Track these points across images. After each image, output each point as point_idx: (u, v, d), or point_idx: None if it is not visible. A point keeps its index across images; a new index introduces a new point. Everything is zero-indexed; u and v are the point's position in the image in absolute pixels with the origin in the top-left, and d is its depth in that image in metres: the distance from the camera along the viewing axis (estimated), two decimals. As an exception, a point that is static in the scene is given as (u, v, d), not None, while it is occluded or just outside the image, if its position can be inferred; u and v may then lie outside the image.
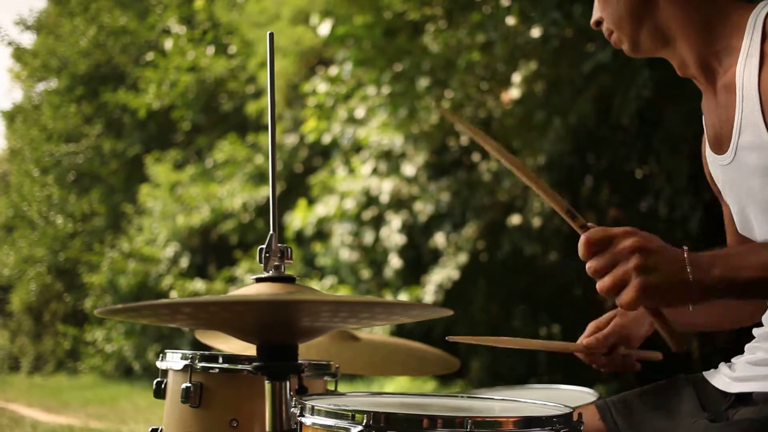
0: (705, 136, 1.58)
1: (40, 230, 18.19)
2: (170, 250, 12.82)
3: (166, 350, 1.73)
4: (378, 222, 8.49)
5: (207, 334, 2.10)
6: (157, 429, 1.71)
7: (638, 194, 7.15)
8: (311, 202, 9.26)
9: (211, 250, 12.88)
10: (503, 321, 8.25)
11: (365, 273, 8.68)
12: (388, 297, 7.94)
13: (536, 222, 7.59)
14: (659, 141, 6.48)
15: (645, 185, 7.07)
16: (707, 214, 6.14)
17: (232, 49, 13.22)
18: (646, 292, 1.20)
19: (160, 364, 1.72)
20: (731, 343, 1.91)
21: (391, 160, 8.49)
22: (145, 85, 13.89)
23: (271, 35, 1.42)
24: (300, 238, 9.45)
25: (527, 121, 7.06)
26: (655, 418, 1.62)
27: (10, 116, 20.93)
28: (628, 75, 5.85)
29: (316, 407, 1.20)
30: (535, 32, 6.52)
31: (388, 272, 8.31)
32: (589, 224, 1.28)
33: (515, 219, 7.74)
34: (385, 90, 7.75)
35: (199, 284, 11.59)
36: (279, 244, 1.33)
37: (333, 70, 8.77)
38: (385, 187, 8.26)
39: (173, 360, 1.68)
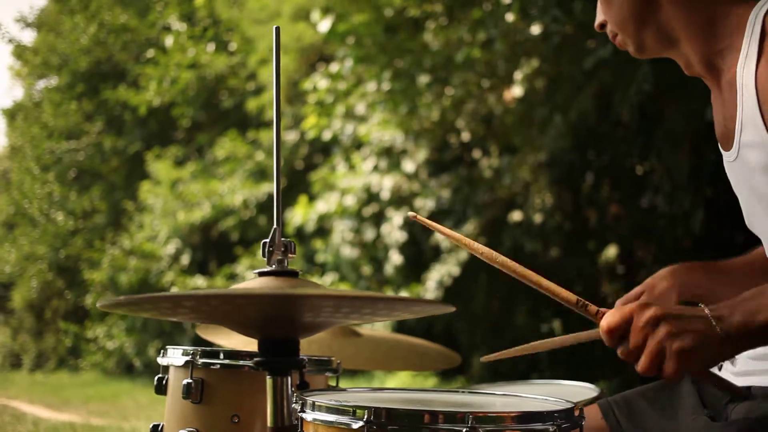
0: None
1: (41, 227, 18.19)
2: (171, 247, 12.83)
3: (167, 346, 1.72)
4: (379, 219, 8.49)
5: (208, 330, 2.10)
6: (159, 425, 1.70)
7: (639, 190, 7.15)
8: (312, 198, 9.26)
9: (211, 246, 12.88)
10: (504, 317, 8.25)
11: (366, 270, 8.69)
12: (389, 293, 7.94)
13: (537, 218, 7.59)
14: (660, 137, 6.48)
15: (645, 181, 7.07)
16: (708, 211, 6.14)
17: (233, 46, 13.23)
18: (686, 357, 1.19)
19: (161, 361, 1.72)
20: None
21: (391, 156, 8.49)
22: (146, 82, 13.89)
23: (278, 29, 1.42)
24: (301, 234, 9.45)
25: (528, 118, 7.06)
26: (657, 417, 1.63)
27: (11, 114, 20.94)
28: (628, 71, 5.85)
29: (317, 403, 1.20)
30: (536, 29, 6.51)
31: (389, 269, 8.31)
32: (601, 309, 1.28)
33: (516, 215, 7.74)
34: (386, 87, 7.75)
35: (200, 281, 11.60)
36: (282, 239, 1.33)
37: (333, 67, 8.76)
38: (385, 184, 8.26)
39: (174, 356, 1.68)
